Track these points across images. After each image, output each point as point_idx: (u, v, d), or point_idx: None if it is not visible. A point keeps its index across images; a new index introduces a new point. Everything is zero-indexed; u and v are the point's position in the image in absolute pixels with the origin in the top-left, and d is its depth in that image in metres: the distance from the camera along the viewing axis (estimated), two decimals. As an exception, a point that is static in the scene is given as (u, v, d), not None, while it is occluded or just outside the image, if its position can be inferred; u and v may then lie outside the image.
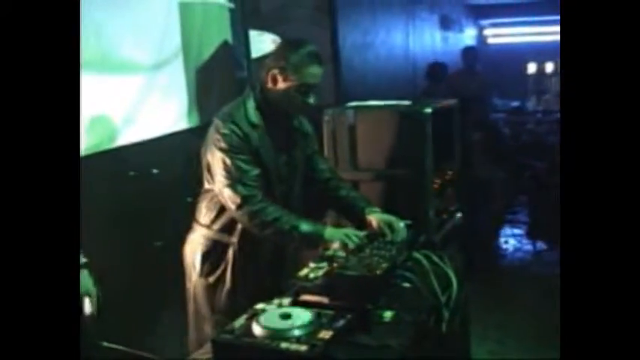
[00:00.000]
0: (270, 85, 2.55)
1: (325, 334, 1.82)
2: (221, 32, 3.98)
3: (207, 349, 1.99)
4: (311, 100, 2.56)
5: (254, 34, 3.58)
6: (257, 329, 1.88)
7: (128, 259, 2.94)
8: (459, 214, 3.26)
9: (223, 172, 2.50)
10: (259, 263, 2.63)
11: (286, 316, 1.92)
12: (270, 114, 2.58)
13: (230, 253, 2.60)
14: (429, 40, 8.17)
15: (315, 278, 2.17)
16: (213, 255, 2.63)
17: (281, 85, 2.53)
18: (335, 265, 2.20)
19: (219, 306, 2.61)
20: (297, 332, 1.83)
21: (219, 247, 2.62)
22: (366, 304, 2.02)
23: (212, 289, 2.63)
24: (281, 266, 2.70)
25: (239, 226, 2.57)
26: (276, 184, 2.61)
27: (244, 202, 2.47)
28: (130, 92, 3.36)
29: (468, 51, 7.15)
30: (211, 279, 2.63)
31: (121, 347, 2.27)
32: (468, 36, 10.51)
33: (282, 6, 3.65)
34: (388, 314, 2.09)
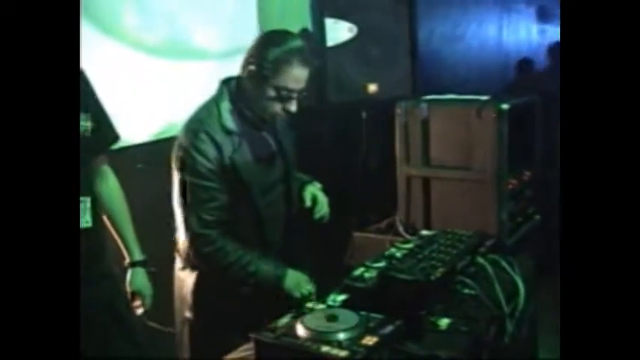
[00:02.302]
0: (247, 81, 2.20)
1: (370, 340, 1.72)
2: (301, 20, 3.92)
3: (244, 348, 1.93)
4: (292, 108, 2.18)
5: (330, 22, 3.49)
6: (300, 329, 1.80)
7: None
8: (537, 217, 3.07)
9: (179, 199, 2.18)
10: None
11: (332, 318, 1.84)
12: (248, 115, 2.23)
13: None
14: (524, 34, 7.83)
15: (370, 279, 2.07)
16: (206, 289, 2.27)
17: (258, 84, 2.16)
18: (390, 266, 2.09)
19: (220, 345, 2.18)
20: (341, 336, 1.74)
21: (210, 279, 2.25)
22: (418, 310, 1.91)
23: (210, 327, 2.26)
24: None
25: None
26: (259, 197, 2.25)
27: (195, 240, 2.15)
28: (203, 79, 3.36)
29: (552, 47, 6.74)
30: (208, 315, 2.26)
31: (166, 329, 2.26)
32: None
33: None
34: (444, 322, 1.97)
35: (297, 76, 2.13)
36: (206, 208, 2.13)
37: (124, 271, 2.25)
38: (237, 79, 2.25)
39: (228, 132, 2.17)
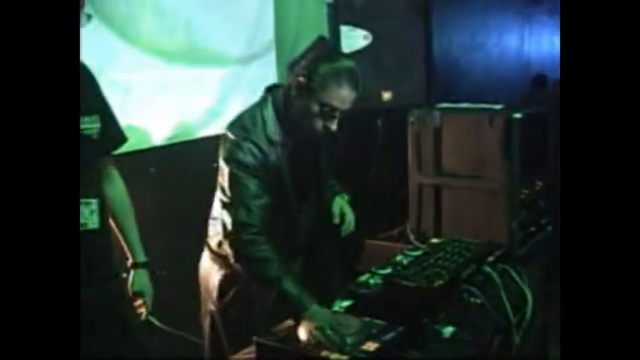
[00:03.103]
0: (294, 92, 2.17)
1: (371, 346, 1.73)
2: (318, 27, 3.92)
3: (248, 350, 1.94)
4: (333, 127, 2.17)
5: (345, 29, 3.50)
6: (302, 334, 1.81)
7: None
8: (549, 228, 3.04)
9: (229, 190, 2.17)
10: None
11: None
12: (292, 127, 2.22)
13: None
14: (546, 45, 7.78)
15: (375, 285, 2.08)
16: (231, 286, 2.32)
17: (304, 96, 2.14)
18: (395, 273, 2.09)
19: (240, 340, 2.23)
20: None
21: (236, 277, 2.28)
22: (421, 318, 1.91)
23: (231, 322, 2.34)
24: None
25: None
26: (294, 203, 2.29)
27: (239, 228, 2.13)
28: (219, 85, 3.38)
29: None
30: (231, 311, 2.33)
31: (172, 330, 2.27)
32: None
33: (376, 1, 3.54)
34: (448, 330, 1.96)
35: (343, 96, 2.12)
36: (254, 203, 2.13)
37: (128, 272, 2.27)
38: (284, 87, 2.26)
39: (272, 143, 2.19)
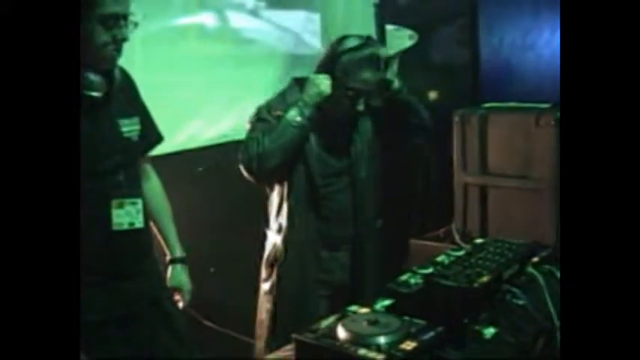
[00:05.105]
0: None
1: (409, 345, 1.72)
2: (365, 27, 3.93)
3: (286, 349, 1.96)
4: (360, 107, 2.41)
5: (391, 29, 3.49)
6: (341, 332, 1.81)
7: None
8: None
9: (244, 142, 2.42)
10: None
11: (373, 322, 1.84)
12: (319, 111, 2.43)
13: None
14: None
15: (415, 284, 2.07)
16: (271, 259, 2.55)
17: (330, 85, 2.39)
18: (436, 272, 2.08)
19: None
20: (381, 339, 1.74)
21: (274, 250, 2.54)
22: (461, 318, 1.89)
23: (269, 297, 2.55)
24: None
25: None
26: (319, 178, 2.47)
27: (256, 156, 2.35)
28: (262, 85, 3.42)
29: None
30: (266, 285, 2.54)
31: (214, 325, 2.31)
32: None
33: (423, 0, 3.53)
34: (489, 331, 1.94)
35: (365, 79, 2.36)
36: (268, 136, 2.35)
37: (165, 267, 2.32)
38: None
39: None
